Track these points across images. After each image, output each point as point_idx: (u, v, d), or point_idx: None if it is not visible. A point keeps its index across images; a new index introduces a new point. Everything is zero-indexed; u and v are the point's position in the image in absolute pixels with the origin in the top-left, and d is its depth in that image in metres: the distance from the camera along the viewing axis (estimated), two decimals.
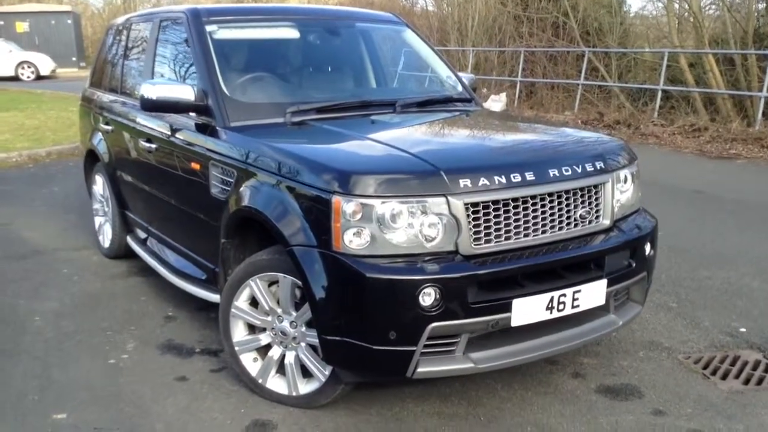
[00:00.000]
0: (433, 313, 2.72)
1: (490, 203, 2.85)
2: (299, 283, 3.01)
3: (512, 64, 17.14)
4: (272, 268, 3.13)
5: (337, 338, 2.83)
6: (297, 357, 3.18)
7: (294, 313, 3.13)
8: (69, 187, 7.97)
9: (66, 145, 10.32)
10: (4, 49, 26.86)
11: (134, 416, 3.20)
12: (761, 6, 12.46)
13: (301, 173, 2.96)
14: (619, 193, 3.28)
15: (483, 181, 2.84)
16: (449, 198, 2.78)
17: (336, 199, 2.76)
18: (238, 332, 3.33)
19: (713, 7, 13.26)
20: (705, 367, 3.62)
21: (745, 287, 4.72)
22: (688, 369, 3.60)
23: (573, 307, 2.97)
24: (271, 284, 3.20)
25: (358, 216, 2.74)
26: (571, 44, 15.86)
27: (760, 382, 3.47)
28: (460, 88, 4.49)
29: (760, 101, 10.52)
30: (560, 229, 3.03)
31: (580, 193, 3.09)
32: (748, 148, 9.70)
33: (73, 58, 33.64)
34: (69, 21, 33.87)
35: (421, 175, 2.82)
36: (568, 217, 3.06)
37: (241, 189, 3.30)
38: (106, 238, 5.43)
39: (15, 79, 25.92)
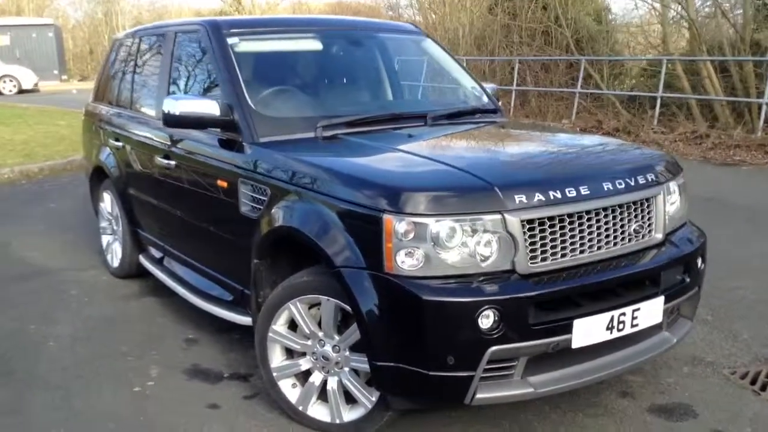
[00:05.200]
0: (493, 336, 2.58)
1: (546, 219, 2.73)
2: (342, 305, 2.87)
3: (503, 74, 17.10)
4: (314, 290, 2.99)
5: (391, 364, 2.68)
6: (340, 382, 3.03)
7: (337, 337, 2.98)
8: (65, 205, 7.77)
9: (58, 160, 10.11)
10: None
11: None
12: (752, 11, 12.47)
13: (346, 191, 2.82)
14: (669, 205, 3.17)
15: (538, 196, 2.71)
16: (505, 215, 2.65)
17: (387, 218, 2.62)
18: (276, 357, 3.18)
19: (706, 10, 13.27)
20: (753, 383, 3.52)
21: None
22: (737, 385, 3.50)
23: (632, 326, 2.85)
24: (311, 307, 3.06)
25: (411, 235, 2.61)
26: (563, 52, 15.85)
27: None
28: (485, 98, 4.38)
29: (761, 108, 10.50)
30: (615, 244, 2.92)
31: (633, 207, 2.97)
32: (752, 154, 9.68)
33: (55, 72, 33.25)
34: (50, 34, 33.50)
35: (475, 192, 2.70)
36: (622, 232, 2.94)
37: (276, 208, 3.16)
38: (115, 257, 5.25)
39: None
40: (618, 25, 17.52)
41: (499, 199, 2.66)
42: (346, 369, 2.99)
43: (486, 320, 2.57)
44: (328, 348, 3.01)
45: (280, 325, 3.13)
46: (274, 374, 3.18)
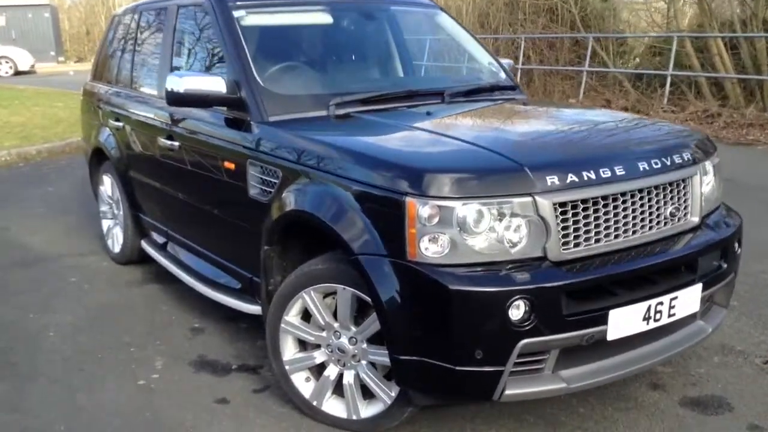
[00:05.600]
0: (524, 328, 2.41)
1: (579, 202, 2.54)
2: (359, 295, 2.69)
3: (507, 52, 16.79)
4: (329, 278, 2.80)
5: (414, 358, 2.50)
6: (357, 376, 2.86)
7: (353, 328, 2.80)
8: (64, 188, 7.59)
9: (56, 142, 9.91)
10: None
11: None
12: None
13: (364, 172, 2.63)
14: (705, 186, 2.99)
15: (571, 177, 2.53)
16: (536, 197, 2.46)
17: (410, 202, 2.43)
18: (289, 349, 3.00)
19: None
20: None
21: None
22: None
23: (669, 315, 2.67)
24: (326, 296, 2.88)
25: (436, 220, 2.42)
26: (568, 30, 15.54)
27: None
28: (502, 75, 4.17)
29: None
30: (650, 228, 2.73)
31: (669, 188, 2.79)
32: (766, 133, 9.45)
33: (52, 53, 32.84)
34: (46, 14, 33.04)
35: (504, 173, 2.51)
36: (658, 215, 2.76)
37: (288, 191, 2.97)
38: (116, 242, 5.07)
39: None
40: (623, 3, 17.19)
41: (530, 181, 2.47)
42: (364, 362, 2.82)
43: (516, 311, 2.39)
44: (344, 340, 2.84)
45: (292, 316, 2.95)
46: (287, 367, 3.01)
